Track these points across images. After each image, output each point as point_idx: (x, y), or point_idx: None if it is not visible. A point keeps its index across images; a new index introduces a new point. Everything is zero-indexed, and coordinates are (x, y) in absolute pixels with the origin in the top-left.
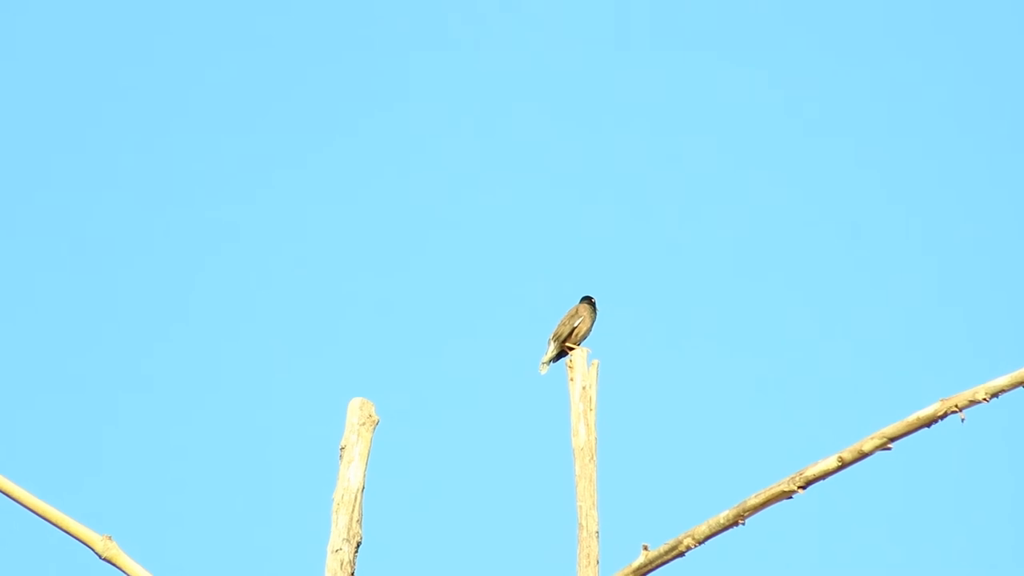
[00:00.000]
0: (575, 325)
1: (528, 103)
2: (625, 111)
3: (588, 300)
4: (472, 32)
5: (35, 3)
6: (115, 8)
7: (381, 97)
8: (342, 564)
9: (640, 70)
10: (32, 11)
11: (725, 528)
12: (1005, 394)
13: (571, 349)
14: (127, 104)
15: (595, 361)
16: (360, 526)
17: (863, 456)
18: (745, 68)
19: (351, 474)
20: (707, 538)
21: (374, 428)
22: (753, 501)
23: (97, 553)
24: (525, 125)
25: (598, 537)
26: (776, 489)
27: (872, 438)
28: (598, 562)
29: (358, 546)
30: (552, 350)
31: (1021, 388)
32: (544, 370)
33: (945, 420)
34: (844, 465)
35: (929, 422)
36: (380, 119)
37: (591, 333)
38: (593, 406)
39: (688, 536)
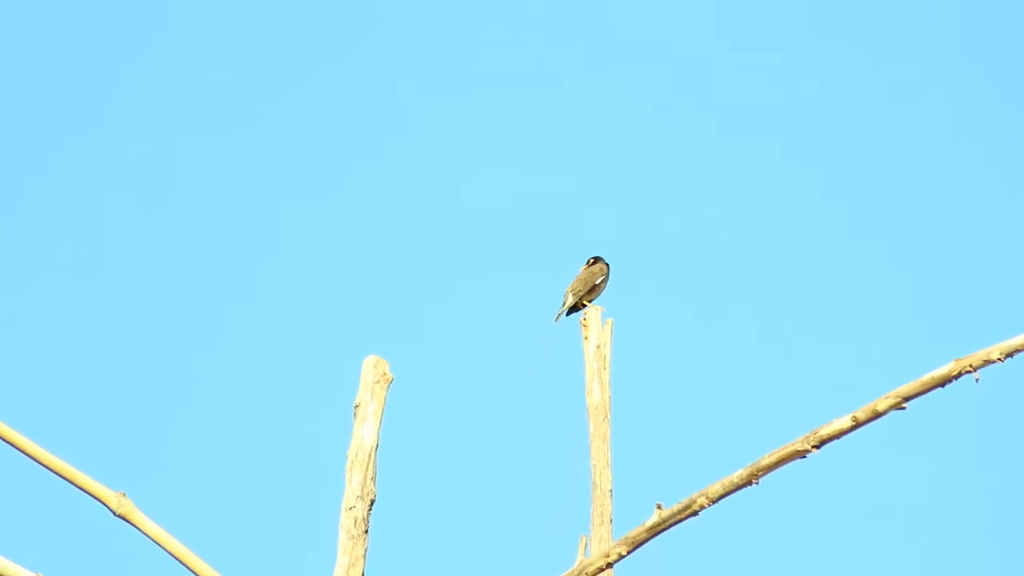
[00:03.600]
0: (596, 283)
1: (528, 104)
2: (632, 105)
3: (601, 260)
4: (471, 30)
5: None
6: (112, 6)
7: (382, 95)
8: (356, 521)
9: (641, 70)
10: (23, 8)
11: (739, 487)
12: (1021, 354)
13: (584, 306)
14: (122, 102)
15: (609, 320)
16: (374, 484)
17: (877, 415)
18: (752, 57)
19: (365, 432)
20: (720, 497)
21: (388, 386)
22: (767, 460)
23: (111, 510)
24: (526, 123)
25: (612, 496)
26: (790, 448)
27: (886, 397)
28: (611, 520)
29: (372, 504)
30: (568, 303)
31: None
32: (557, 320)
33: (959, 380)
34: (858, 424)
35: (943, 382)
36: (380, 116)
37: (603, 292)
38: (607, 365)
39: (702, 495)
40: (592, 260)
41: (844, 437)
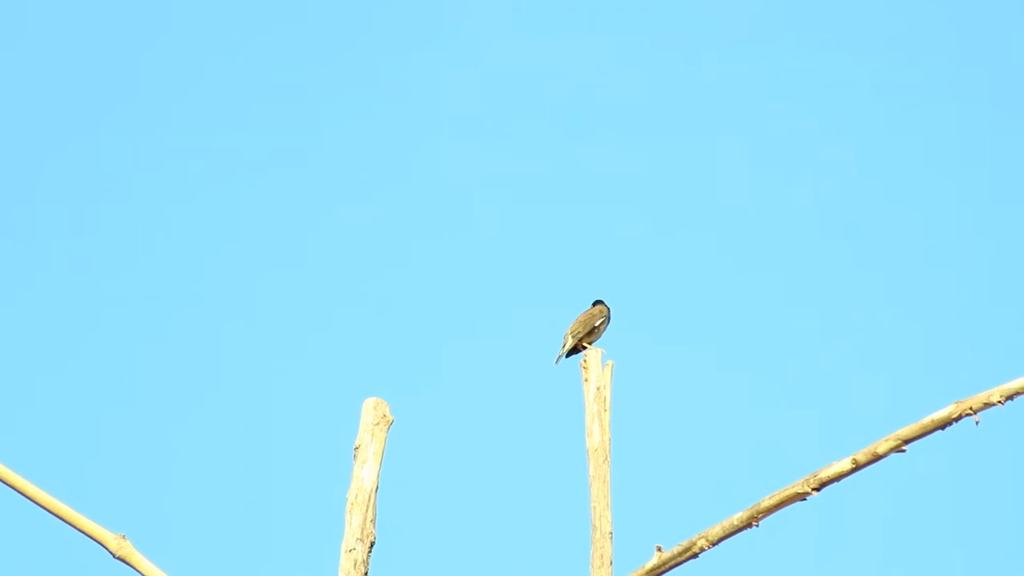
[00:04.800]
0: (596, 324)
1: (528, 107)
2: (627, 113)
3: (602, 303)
4: (474, 33)
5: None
6: (116, 8)
7: (384, 98)
8: (356, 564)
9: (641, 72)
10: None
11: (739, 530)
12: (1021, 396)
13: (585, 348)
14: (123, 105)
15: (609, 362)
16: (374, 526)
17: (877, 458)
18: (745, 67)
19: (365, 474)
20: (721, 539)
21: (388, 428)
22: (767, 503)
23: (111, 552)
24: (527, 130)
25: (612, 538)
26: (790, 491)
27: (887, 440)
28: (611, 563)
29: (372, 546)
30: (568, 345)
31: None
32: (557, 363)
33: (960, 423)
34: (858, 467)
35: (943, 424)
36: (381, 120)
37: (603, 335)
38: (607, 407)
39: (702, 537)
40: (596, 302)
41: (844, 480)
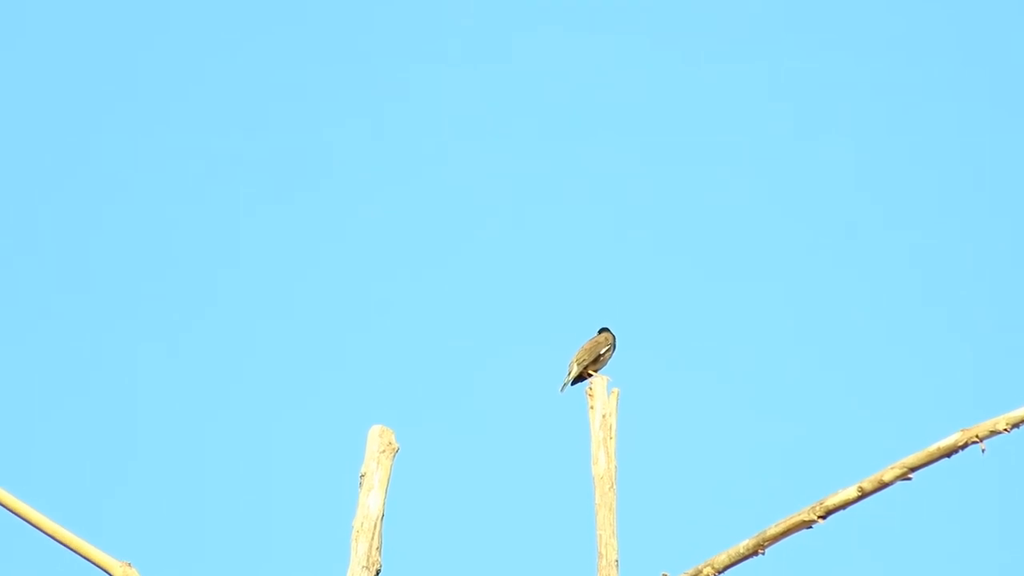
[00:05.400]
0: (601, 352)
1: (528, 107)
2: (627, 113)
3: (608, 331)
4: (474, 33)
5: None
6: (117, 9)
7: (384, 98)
8: None
9: (641, 72)
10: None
11: (745, 557)
12: None
13: (590, 375)
14: (123, 106)
15: (615, 390)
16: (379, 554)
17: (883, 486)
18: (745, 67)
19: (371, 501)
20: (727, 567)
21: (394, 456)
22: (773, 530)
23: None
24: (527, 130)
25: (617, 566)
26: (796, 518)
27: (893, 468)
28: None
29: (377, 574)
30: (573, 373)
31: None
32: (562, 391)
33: (965, 450)
34: (864, 495)
35: (949, 452)
36: (381, 120)
37: (608, 362)
38: (613, 434)
39: (708, 565)
40: (602, 330)
41: (850, 507)
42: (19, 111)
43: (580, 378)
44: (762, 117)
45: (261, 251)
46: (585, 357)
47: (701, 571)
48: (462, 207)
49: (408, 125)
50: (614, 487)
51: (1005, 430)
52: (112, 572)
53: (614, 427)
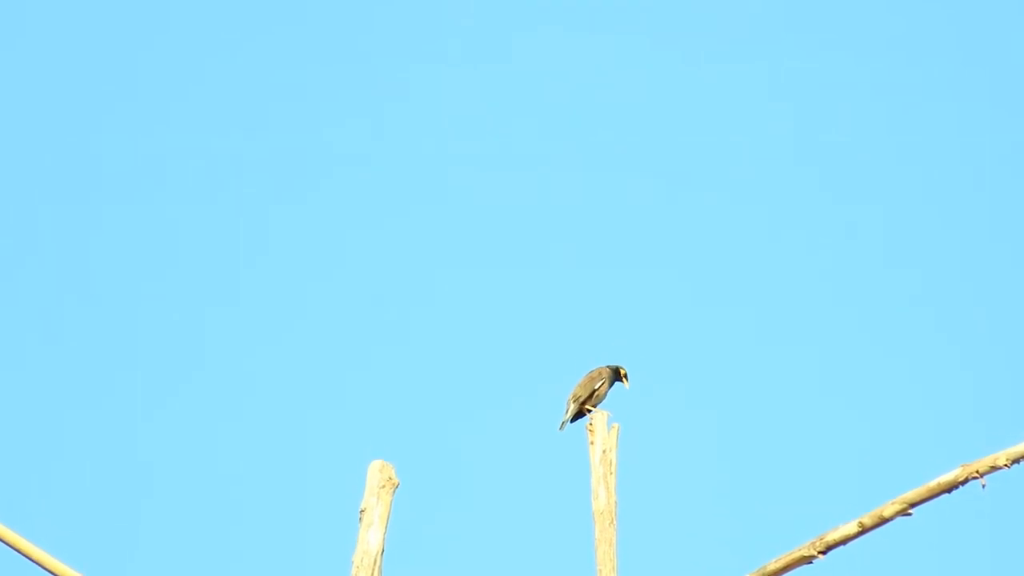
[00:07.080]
0: (596, 387)
1: (528, 107)
2: (627, 113)
3: (608, 365)
4: (474, 33)
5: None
6: (118, 10)
7: (384, 98)
8: None
9: (641, 72)
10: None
11: None
12: None
13: (589, 411)
14: (123, 106)
15: (615, 424)
16: None
17: (884, 521)
18: (745, 67)
19: (370, 537)
20: None
21: (394, 491)
22: (773, 566)
23: None
24: (527, 130)
25: None
26: (796, 554)
27: (893, 503)
28: None
29: None
30: (571, 411)
31: None
32: (562, 429)
33: (966, 486)
34: (864, 530)
35: (950, 488)
36: (382, 120)
37: (607, 396)
38: (613, 470)
39: None
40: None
41: (850, 543)
42: (19, 111)
43: (579, 415)
44: (762, 117)
45: (261, 252)
46: (581, 393)
47: None
48: (462, 207)
49: (408, 125)
50: (614, 523)
51: (1005, 466)
52: None
53: (614, 462)
